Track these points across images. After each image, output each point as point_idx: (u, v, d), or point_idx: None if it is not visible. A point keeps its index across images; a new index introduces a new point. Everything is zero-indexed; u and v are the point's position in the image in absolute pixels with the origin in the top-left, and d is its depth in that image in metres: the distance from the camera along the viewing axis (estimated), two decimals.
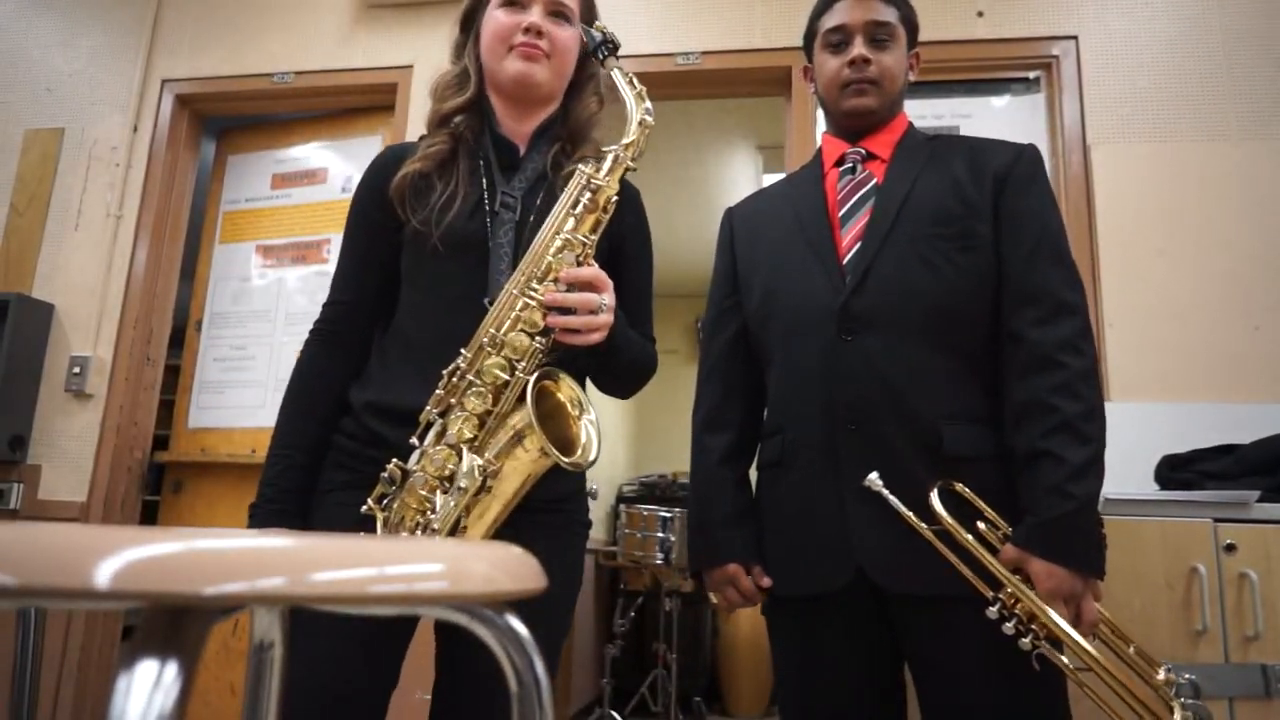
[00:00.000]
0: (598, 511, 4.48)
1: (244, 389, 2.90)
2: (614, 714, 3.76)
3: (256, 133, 3.14)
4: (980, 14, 2.58)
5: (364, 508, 1.11)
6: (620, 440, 5.26)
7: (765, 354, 1.36)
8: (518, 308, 1.11)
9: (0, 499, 2.66)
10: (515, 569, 0.48)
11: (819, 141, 2.77)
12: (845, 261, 1.28)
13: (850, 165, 1.37)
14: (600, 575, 4.44)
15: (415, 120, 2.74)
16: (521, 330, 1.10)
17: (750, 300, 1.39)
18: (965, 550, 1.13)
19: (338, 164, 3.00)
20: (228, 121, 3.20)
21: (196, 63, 2.97)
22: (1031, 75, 2.57)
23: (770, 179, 4.21)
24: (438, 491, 1.08)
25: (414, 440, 1.11)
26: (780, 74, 2.68)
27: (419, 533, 1.09)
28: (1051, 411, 1.14)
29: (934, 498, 1.15)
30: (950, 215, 1.25)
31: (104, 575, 0.35)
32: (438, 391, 1.11)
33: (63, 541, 0.37)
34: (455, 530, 1.07)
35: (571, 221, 1.14)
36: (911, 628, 1.20)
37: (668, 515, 3.88)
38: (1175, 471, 1.94)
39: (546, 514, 1.19)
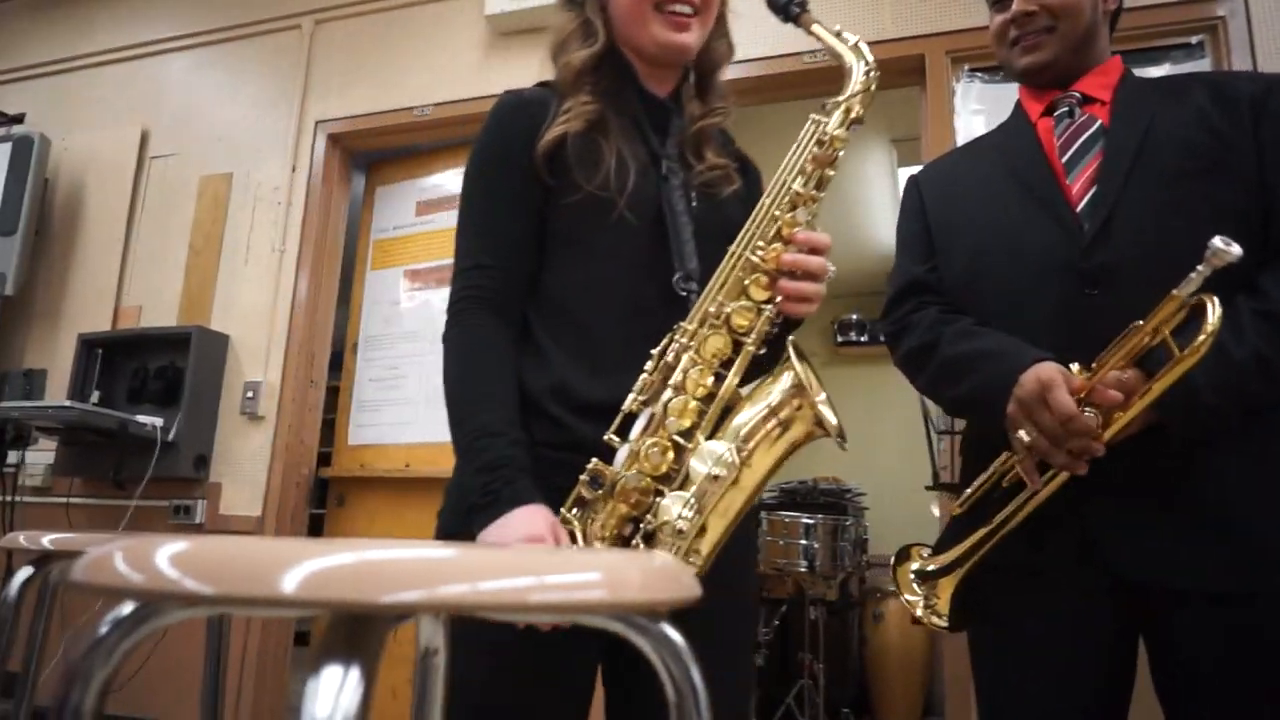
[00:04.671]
0: None
1: (398, 407, 3.05)
2: None
3: (401, 164, 3.31)
4: None
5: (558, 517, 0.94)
6: None
7: (976, 318, 1.21)
8: (745, 272, 0.98)
9: (187, 514, 2.91)
10: (671, 577, 0.48)
11: (957, 131, 2.65)
12: (1079, 209, 1.13)
13: (1067, 109, 1.20)
14: None
15: None
16: (745, 299, 0.98)
17: (952, 265, 1.25)
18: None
19: None
20: (375, 155, 3.39)
21: (345, 103, 3.16)
22: (1194, 40, 2.38)
23: (905, 172, 4.08)
24: (653, 495, 0.93)
25: (610, 436, 0.95)
26: (913, 63, 2.57)
27: (637, 542, 0.93)
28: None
29: None
30: (1199, 148, 1.09)
31: (290, 584, 0.38)
32: (645, 376, 0.96)
33: (251, 554, 0.40)
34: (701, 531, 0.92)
35: (801, 179, 1.01)
36: (1163, 628, 1.04)
37: (810, 521, 3.80)
38: None
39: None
